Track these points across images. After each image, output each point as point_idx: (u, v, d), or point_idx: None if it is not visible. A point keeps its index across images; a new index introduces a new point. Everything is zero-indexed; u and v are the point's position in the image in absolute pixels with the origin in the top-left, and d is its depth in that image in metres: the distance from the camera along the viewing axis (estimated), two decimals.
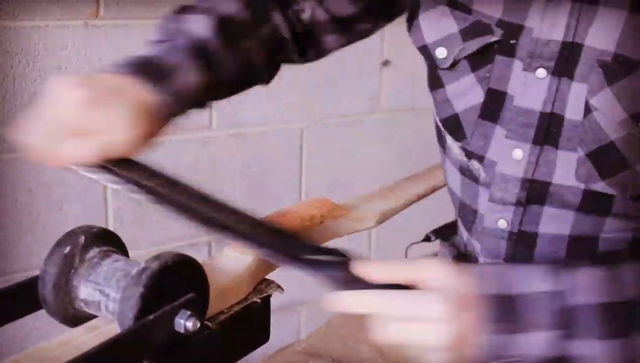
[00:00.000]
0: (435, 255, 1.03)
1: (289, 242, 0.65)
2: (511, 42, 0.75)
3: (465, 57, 0.79)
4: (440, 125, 0.86)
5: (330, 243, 0.85)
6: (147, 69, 0.72)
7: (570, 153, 0.74)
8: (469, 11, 0.78)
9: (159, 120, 0.70)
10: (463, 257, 0.94)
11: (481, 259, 0.84)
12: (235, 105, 1.56)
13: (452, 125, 0.82)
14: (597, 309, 0.62)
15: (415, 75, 1.83)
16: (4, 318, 0.62)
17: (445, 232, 1.03)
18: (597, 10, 0.70)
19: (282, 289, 0.70)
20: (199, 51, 0.76)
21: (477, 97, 0.79)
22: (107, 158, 0.65)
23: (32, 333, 1.40)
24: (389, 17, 0.97)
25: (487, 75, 0.77)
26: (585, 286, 0.63)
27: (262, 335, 0.70)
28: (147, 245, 1.51)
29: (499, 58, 0.76)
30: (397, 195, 0.98)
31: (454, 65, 0.80)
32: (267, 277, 0.73)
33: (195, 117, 1.54)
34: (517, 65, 0.76)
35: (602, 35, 0.70)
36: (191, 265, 0.59)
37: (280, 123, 1.64)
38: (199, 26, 0.79)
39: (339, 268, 0.61)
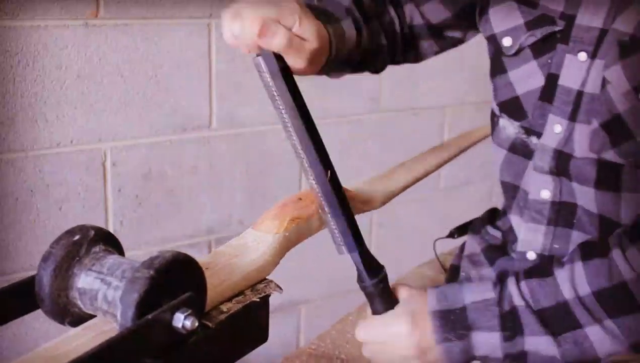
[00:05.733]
0: (462, 247, 1.06)
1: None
2: (571, 32, 0.83)
3: (529, 45, 0.88)
4: (496, 108, 0.95)
5: None
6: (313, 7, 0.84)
7: (585, 126, 0.82)
8: (534, 6, 0.87)
9: (323, 56, 0.81)
10: (492, 247, 0.99)
11: (521, 236, 0.92)
12: (235, 105, 1.57)
13: (511, 107, 0.91)
14: (536, 313, 0.76)
15: (415, 75, 1.84)
16: (2, 318, 0.62)
17: (473, 227, 1.07)
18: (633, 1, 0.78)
19: (281, 289, 0.70)
20: (353, 18, 0.90)
21: (538, 81, 0.87)
22: (290, 49, 0.74)
23: (31, 334, 1.40)
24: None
25: (549, 61, 0.86)
26: (524, 293, 0.77)
27: (261, 334, 0.70)
28: (147, 245, 1.52)
29: (560, 47, 0.85)
30: (397, 179, 1.03)
31: (518, 52, 0.89)
32: (266, 276, 0.73)
33: (195, 117, 1.54)
34: None
35: (627, 20, 0.79)
36: (189, 264, 0.60)
37: (280, 123, 1.64)
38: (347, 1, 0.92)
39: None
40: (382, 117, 1.81)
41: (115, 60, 1.39)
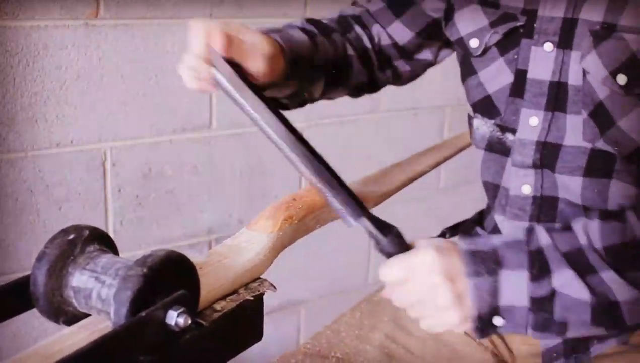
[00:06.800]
0: None
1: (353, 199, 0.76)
2: (534, 25, 0.86)
3: (495, 44, 0.90)
4: (470, 110, 0.96)
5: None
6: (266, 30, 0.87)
7: (576, 116, 0.83)
8: (497, 6, 0.90)
9: (280, 58, 0.83)
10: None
11: (505, 234, 0.91)
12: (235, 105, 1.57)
13: (485, 106, 0.93)
14: (562, 252, 0.74)
15: None
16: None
17: (463, 228, 1.07)
18: None
19: (275, 288, 0.70)
20: (302, 28, 0.93)
21: (507, 77, 0.89)
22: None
23: (31, 332, 1.40)
24: (448, 43, 1.03)
25: (515, 57, 0.88)
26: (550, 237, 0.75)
27: (255, 333, 0.70)
28: (147, 245, 1.52)
29: (524, 41, 0.87)
30: (391, 179, 1.04)
31: (485, 52, 0.91)
32: (260, 275, 0.74)
33: (195, 117, 1.55)
34: None
35: (594, 8, 0.81)
36: (182, 262, 0.60)
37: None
38: (297, 22, 0.96)
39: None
40: (382, 117, 1.81)
41: (115, 60, 1.39)
